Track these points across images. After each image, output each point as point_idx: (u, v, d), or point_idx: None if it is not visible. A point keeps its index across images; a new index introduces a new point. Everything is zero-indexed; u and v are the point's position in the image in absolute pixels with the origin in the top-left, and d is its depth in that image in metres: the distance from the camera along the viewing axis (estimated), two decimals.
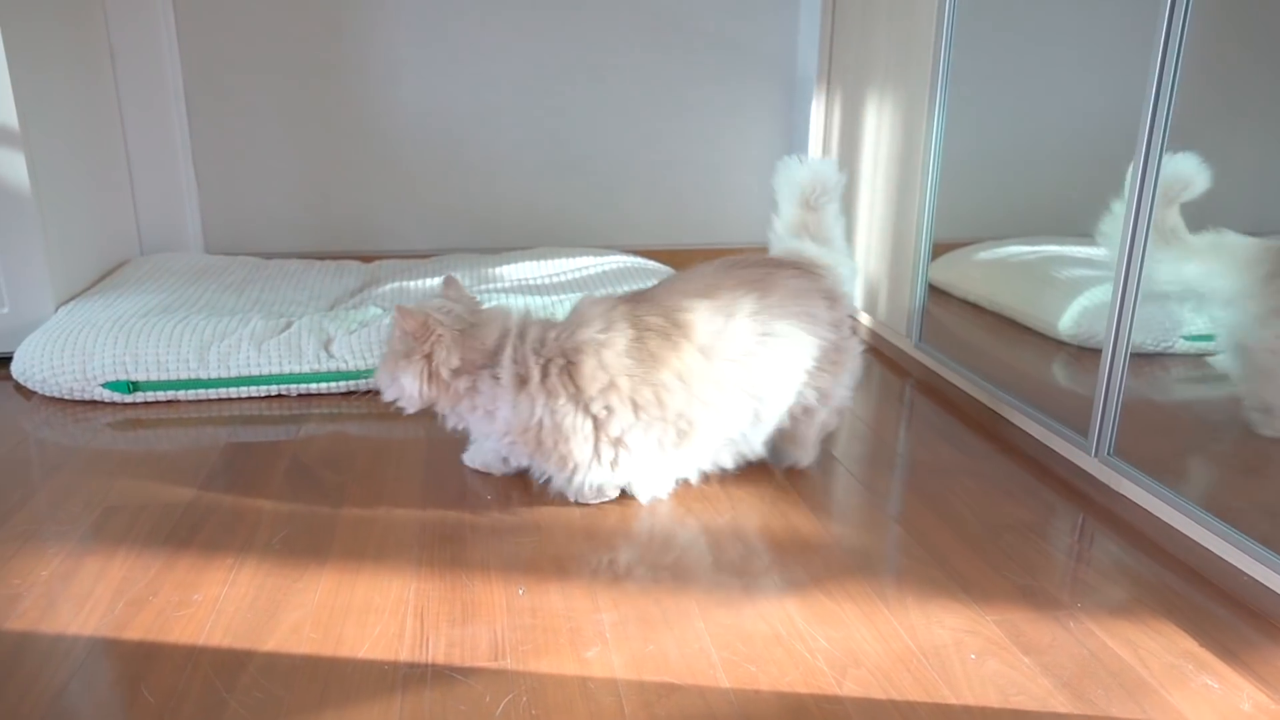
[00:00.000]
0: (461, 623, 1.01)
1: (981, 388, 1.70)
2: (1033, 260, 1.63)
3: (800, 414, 1.33)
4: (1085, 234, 1.44)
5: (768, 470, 1.40)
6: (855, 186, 2.22)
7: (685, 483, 1.33)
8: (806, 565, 1.15)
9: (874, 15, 2.07)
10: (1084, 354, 1.45)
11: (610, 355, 1.21)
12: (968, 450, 1.51)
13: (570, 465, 1.24)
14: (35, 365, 1.66)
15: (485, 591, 1.07)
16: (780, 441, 1.37)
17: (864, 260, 2.19)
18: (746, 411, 1.28)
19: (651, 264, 2.27)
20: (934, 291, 1.88)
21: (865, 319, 2.24)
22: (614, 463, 1.24)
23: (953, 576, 1.13)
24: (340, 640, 0.98)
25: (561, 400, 1.21)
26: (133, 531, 1.20)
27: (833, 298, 1.35)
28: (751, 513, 1.27)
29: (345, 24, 2.36)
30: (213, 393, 1.68)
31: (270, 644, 0.97)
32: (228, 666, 0.93)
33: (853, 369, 1.38)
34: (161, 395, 1.67)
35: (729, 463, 1.34)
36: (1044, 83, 1.59)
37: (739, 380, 1.25)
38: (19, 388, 1.73)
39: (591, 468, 1.24)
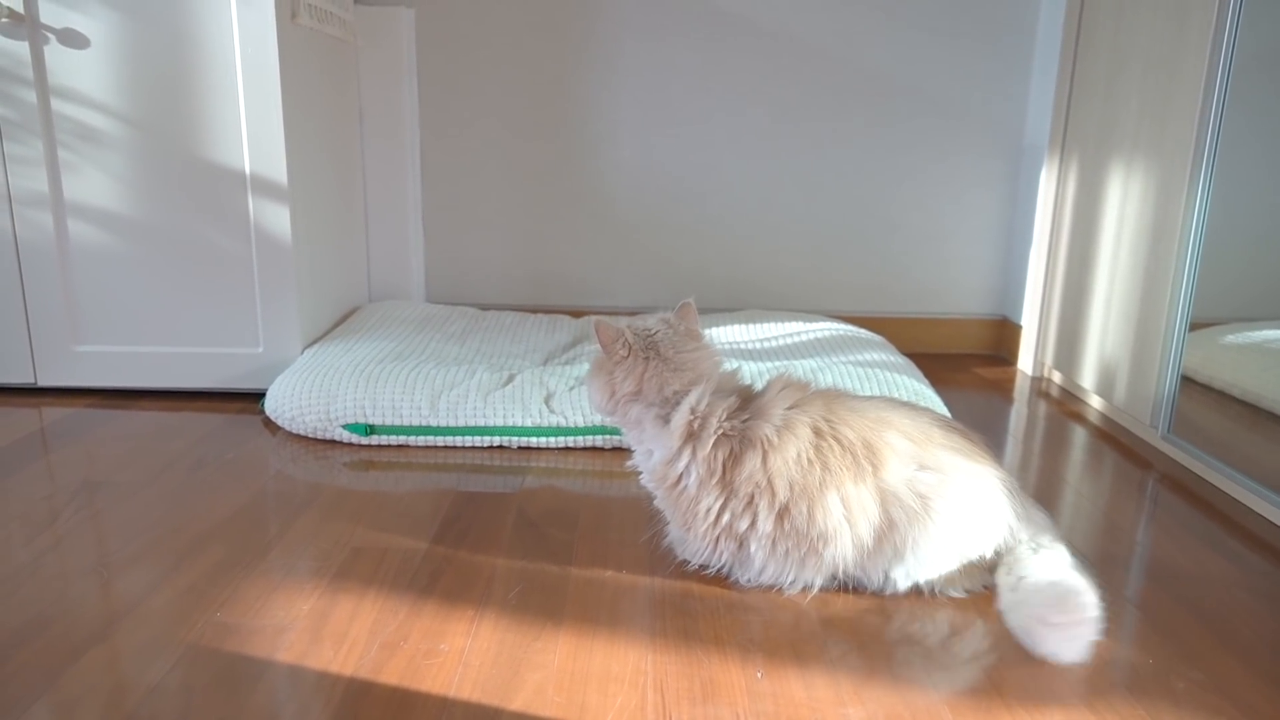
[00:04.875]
0: (703, 702, 0.98)
1: (1254, 491, 1.53)
2: None
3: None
4: None
5: None
6: (1093, 260, 2.09)
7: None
8: (1064, 676, 1.05)
9: (1124, 76, 1.96)
10: None
11: (777, 461, 1.16)
12: (1239, 561, 1.36)
13: (690, 535, 1.22)
14: (285, 404, 1.78)
15: (723, 670, 1.04)
16: None
17: (1099, 339, 2.04)
18: (885, 562, 1.19)
19: (864, 333, 2.21)
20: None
21: (1097, 402, 2.09)
22: (723, 553, 1.21)
23: (1243, 710, 1.00)
24: (584, 708, 0.97)
25: (714, 481, 1.18)
26: (379, 574, 1.25)
27: (1015, 537, 1.20)
28: (998, 613, 1.18)
29: (572, 87, 2.46)
30: (441, 440, 1.75)
31: (517, 703, 0.97)
32: None
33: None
34: (394, 439, 1.75)
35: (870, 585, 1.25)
36: None
37: (893, 532, 1.16)
38: (267, 423, 1.86)
39: (703, 549, 1.22)
